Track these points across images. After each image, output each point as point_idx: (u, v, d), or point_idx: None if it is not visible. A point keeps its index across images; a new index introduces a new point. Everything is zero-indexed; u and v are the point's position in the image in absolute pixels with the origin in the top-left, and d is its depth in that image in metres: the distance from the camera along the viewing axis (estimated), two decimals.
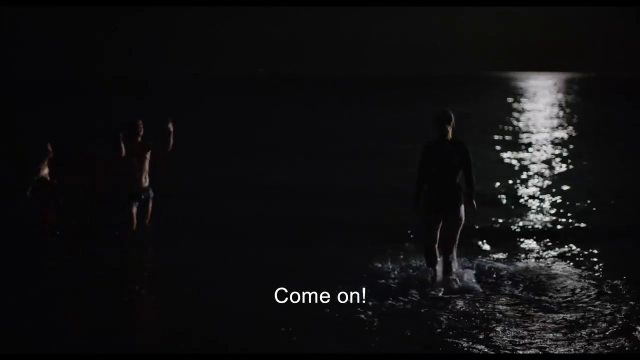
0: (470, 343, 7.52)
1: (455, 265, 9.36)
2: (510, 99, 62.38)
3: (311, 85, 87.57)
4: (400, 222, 12.39)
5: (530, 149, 25.45)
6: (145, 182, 11.15)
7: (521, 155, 23.76)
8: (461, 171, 9.04)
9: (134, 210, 11.06)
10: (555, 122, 37.96)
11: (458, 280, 9.15)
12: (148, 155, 11.12)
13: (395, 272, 9.72)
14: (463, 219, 9.14)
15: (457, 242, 9.24)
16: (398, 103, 55.69)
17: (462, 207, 9.06)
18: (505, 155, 23.73)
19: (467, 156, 8.98)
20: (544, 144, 27.13)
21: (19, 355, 7.27)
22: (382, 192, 15.92)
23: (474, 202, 9.04)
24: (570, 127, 34.67)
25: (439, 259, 9.26)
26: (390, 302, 8.69)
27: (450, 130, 8.99)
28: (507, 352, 7.32)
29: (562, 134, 31.38)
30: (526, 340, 7.57)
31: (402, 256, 10.38)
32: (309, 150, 24.34)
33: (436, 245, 9.22)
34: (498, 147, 25.75)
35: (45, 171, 11.34)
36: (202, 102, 55.47)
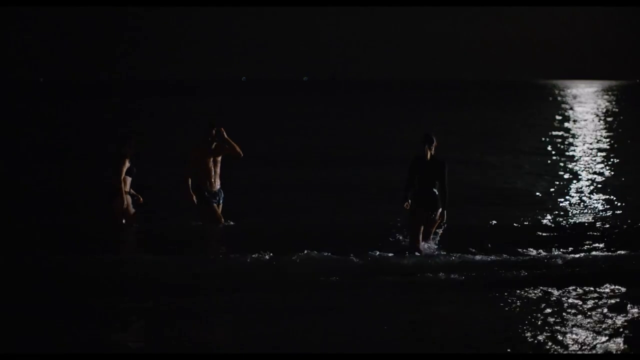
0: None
1: (432, 246, 10.90)
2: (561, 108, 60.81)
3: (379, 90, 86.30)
4: (394, 220, 12.43)
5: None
6: (218, 184, 11.96)
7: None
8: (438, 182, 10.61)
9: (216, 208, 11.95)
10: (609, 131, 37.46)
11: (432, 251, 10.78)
12: (220, 159, 11.93)
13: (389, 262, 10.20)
14: (437, 219, 10.70)
15: (431, 234, 10.85)
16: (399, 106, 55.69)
17: (439, 211, 10.65)
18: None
19: (442, 171, 10.54)
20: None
21: (19, 355, 7.26)
22: (385, 193, 15.94)
23: (445, 214, 10.65)
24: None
25: (421, 244, 10.77)
26: (388, 300, 8.73)
27: (429, 149, 10.56)
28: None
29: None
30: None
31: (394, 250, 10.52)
32: (315, 155, 24.42)
33: (420, 236, 10.74)
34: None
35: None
36: (204, 103, 55.51)
